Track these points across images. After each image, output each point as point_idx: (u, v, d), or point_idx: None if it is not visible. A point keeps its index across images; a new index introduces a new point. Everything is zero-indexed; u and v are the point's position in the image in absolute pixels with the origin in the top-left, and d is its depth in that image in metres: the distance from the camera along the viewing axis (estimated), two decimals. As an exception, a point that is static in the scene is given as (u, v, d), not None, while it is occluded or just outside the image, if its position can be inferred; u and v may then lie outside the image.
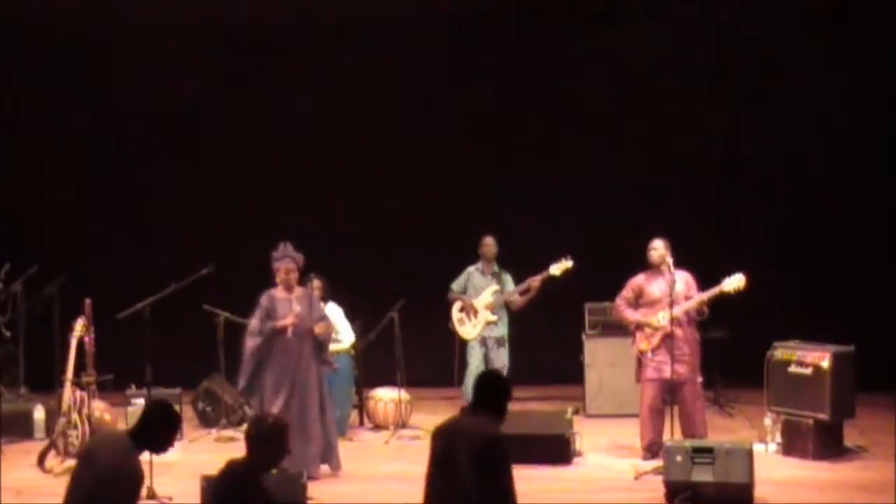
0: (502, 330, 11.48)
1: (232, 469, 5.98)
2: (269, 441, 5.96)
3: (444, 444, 6.20)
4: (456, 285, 11.57)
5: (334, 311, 11.04)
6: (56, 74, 12.99)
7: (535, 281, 11.27)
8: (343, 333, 11.04)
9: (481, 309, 11.43)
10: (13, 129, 13.05)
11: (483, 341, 11.45)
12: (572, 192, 13.00)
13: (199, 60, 13.08)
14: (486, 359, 11.43)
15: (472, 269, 11.55)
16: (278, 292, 9.46)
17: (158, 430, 6.12)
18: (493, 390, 6.33)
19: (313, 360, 9.43)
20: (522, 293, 11.38)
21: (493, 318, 11.43)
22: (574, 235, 12.11)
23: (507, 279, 11.50)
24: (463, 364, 11.59)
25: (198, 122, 13.14)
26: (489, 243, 11.48)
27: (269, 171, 13.17)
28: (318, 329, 9.45)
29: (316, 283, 10.72)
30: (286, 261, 9.41)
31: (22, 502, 8.90)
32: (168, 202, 13.13)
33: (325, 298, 10.85)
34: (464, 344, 11.56)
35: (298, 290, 9.54)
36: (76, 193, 13.11)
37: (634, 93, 12.85)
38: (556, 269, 11.17)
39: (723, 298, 9.70)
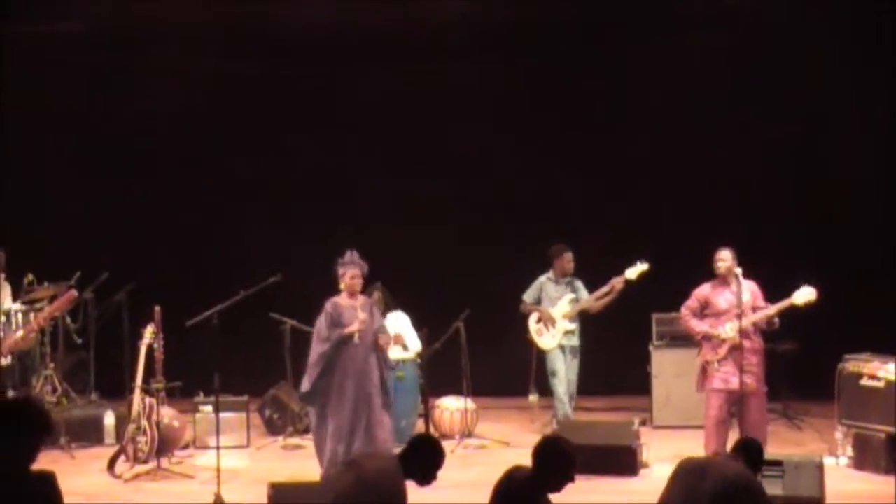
0: (577, 340, 11.33)
1: (517, 480, 6.03)
2: (559, 465, 6.00)
3: (693, 477, 6.30)
4: (528, 297, 11.43)
5: (402, 320, 11.06)
6: (104, 78, 13.17)
7: (618, 282, 11.16)
8: (409, 341, 11.07)
9: (559, 318, 11.31)
10: (83, 135, 13.23)
11: (562, 349, 11.36)
12: (639, 201, 12.91)
13: (261, 67, 13.19)
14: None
15: (543, 279, 11.44)
16: (342, 299, 9.46)
17: (425, 462, 6.21)
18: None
19: (376, 368, 9.42)
20: (603, 296, 11.24)
21: (572, 326, 11.30)
22: (641, 245, 12.02)
23: (580, 286, 11.39)
24: (539, 374, 11.49)
25: (264, 131, 13.23)
26: (569, 259, 11.36)
27: (335, 180, 13.23)
28: (383, 340, 9.43)
29: (376, 293, 10.75)
30: (352, 267, 9.40)
31: (91, 507, 9.04)
32: (237, 210, 13.23)
33: (386, 307, 10.88)
34: (541, 354, 11.42)
35: (361, 298, 9.53)
36: (145, 202, 13.24)
37: (700, 101, 12.74)
38: (632, 272, 11.02)
39: (792, 311, 9.62)
